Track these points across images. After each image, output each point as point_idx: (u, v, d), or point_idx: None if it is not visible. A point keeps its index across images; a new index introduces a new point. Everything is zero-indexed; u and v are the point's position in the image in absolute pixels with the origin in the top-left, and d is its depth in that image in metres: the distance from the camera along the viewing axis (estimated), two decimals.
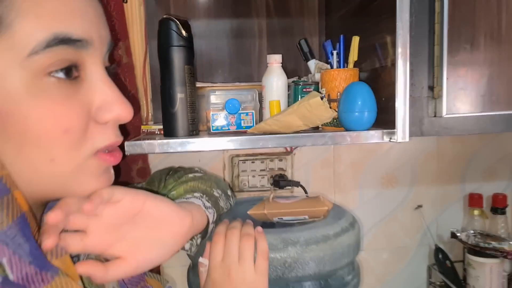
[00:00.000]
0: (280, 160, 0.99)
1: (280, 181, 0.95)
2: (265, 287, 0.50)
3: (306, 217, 0.64)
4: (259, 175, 0.98)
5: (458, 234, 1.01)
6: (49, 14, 0.33)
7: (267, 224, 0.66)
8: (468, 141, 1.10)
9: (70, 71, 0.35)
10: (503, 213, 1.07)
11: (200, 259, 0.52)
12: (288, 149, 1.00)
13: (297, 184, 0.94)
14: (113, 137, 0.40)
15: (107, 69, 0.41)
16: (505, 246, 0.93)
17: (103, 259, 0.43)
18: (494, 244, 0.95)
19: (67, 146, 0.36)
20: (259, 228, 0.54)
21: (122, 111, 0.38)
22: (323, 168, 1.04)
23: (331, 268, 0.58)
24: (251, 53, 0.97)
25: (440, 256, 1.06)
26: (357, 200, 1.06)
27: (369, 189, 1.07)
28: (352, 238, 0.62)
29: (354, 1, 0.80)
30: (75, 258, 0.42)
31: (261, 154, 0.99)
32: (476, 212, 1.06)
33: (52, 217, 0.35)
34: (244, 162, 0.97)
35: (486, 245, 0.96)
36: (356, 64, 0.72)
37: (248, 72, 0.98)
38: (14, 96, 0.33)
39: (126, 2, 0.85)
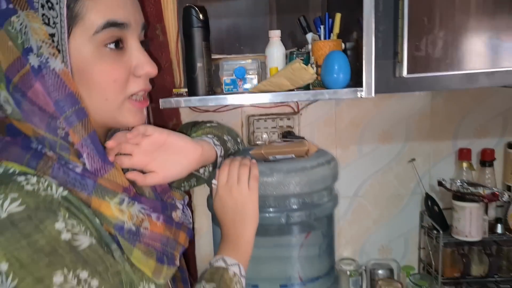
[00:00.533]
0: (289, 119, 1.19)
1: (287, 136, 1.16)
2: (256, 199, 0.71)
3: (293, 155, 0.84)
4: (270, 132, 1.19)
5: (444, 182, 1.17)
6: (104, 8, 0.52)
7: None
8: (461, 101, 1.23)
9: (118, 44, 0.53)
10: (491, 165, 1.21)
11: (213, 181, 0.74)
12: (296, 109, 1.20)
13: (302, 138, 1.14)
14: (143, 85, 0.57)
15: (143, 42, 0.60)
16: (480, 191, 1.09)
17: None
18: (472, 189, 1.11)
19: (115, 90, 0.54)
20: (253, 160, 0.75)
21: (150, 69, 0.57)
22: (326, 126, 1.22)
23: (309, 190, 0.79)
24: (263, 28, 1.15)
25: (429, 202, 1.23)
26: (356, 154, 1.24)
27: (367, 144, 1.24)
28: (326, 171, 0.81)
29: None
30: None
31: (272, 114, 1.19)
32: (464, 164, 1.21)
33: (110, 144, 0.58)
34: (258, 121, 1.18)
35: (465, 191, 1.11)
36: (342, 36, 0.90)
37: (261, 44, 1.17)
38: (86, 60, 0.51)
39: None
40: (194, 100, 0.83)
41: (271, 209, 0.80)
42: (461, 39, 0.80)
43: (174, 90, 1.00)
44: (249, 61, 0.90)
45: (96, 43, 0.51)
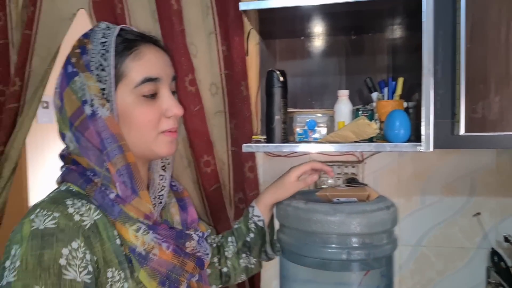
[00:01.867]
0: (353, 167, 1.30)
1: (351, 182, 1.26)
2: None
3: (355, 199, 0.94)
4: (336, 178, 1.30)
5: (511, 239, 1.17)
6: (142, 68, 0.67)
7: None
8: None
9: (152, 94, 0.68)
10: None
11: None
12: (360, 158, 1.30)
13: (364, 185, 1.24)
14: (172, 124, 0.70)
15: (173, 92, 0.72)
16: None
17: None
18: None
19: (149, 128, 0.68)
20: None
21: (177, 111, 0.70)
22: (389, 176, 1.31)
23: (368, 231, 0.88)
24: (333, 86, 1.31)
25: (496, 258, 1.23)
26: (419, 204, 1.30)
27: (430, 196, 1.30)
28: (386, 215, 0.91)
29: (410, 46, 1.08)
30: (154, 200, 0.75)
31: (338, 161, 1.31)
32: None
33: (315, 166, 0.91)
34: None
35: None
36: (405, 95, 1.02)
37: (330, 100, 1.31)
38: (128, 106, 0.66)
39: (248, 55, 1.28)
40: (272, 147, 0.99)
41: (333, 245, 0.91)
42: None
43: (253, 137, 1.17)
44: (319, 115, 1.05)
45: (136, 94, 0.67)
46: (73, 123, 0.66)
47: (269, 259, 1.00)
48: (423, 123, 0.89)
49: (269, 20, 1.12)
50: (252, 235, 0.96)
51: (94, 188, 0.64)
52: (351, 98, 1.09)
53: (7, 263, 0.56)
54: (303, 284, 1.01)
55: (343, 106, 1.05)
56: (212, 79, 1.35)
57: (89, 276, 0.59)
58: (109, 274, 0.62)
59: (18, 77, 1.40)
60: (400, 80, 1.00)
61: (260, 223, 0.95)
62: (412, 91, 1.03)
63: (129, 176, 0.64)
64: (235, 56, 1.28)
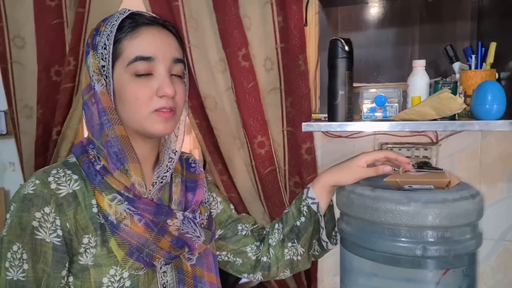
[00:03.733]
0: (426, 149, 1.15)
1: (423, 167, 1.11)
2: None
3: (431, 186, 0.81)
4: None
5: None
6: (135, 47, 0.68)
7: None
8: None
9: (146, 73, 0.69)
10: None
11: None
12: (434, 140, 1.15)
13: (440, 170, 1.08)
14: (164, 103, 0.70)
15: (174, 75, 0.72)
16: None
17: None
18: None
19: (139, 105, 0.69)
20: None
21: (167, 91, 0.69)
22: (469, 159, 1.14)
23: (449, 224, 0.75)
24: (404, 58, 1.15)
25: None
26: (505, 192, 1.12)
27: None
28: (470, 206, 0.76)
29: (505, 7, 0.91)
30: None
31: (408, 143, 1.16)
32: None
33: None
34: (392, 149, 1.17)
35: None
36: (495, 66, 0.85)
37: (401, 74, 1.17)
38: (122, 83, 0.69)
39: (307, 25, 1.16)
40: (334, 125, 0.87)
41: (405, 239, 0.78)
42: None
43: (313, 115, 1.06)
44: (390, 89, 0.91)
45: (130, 72, 0.69)
46: (84, 96, 0.72)
47: (322, 251, 0.90)
48: None
49: None
50: (302, 219, 0.85)
51: (85, 159, 0.71)
52: (429, 71, 0.94)
53: (6, 221, 0.67)
54: (369, 278, 0.90)
55: (419, 78, 0.91)
56: (267, 53, 1.25)
57: (59, 240, 0.66)
58: (85, 240, 0.67)
59: (72, 57, 1.39)
60: (493, 46, 0.83)
61: (314, 207, 0.85)
62: (504, 60, 0.86)
63: (117, 147, 0.69)
64: (292, 27, 1.17)
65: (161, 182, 0.76)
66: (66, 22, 1.45)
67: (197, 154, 4.19)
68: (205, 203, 0.86)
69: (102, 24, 0.71)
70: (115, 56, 0.69)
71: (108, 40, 0.68)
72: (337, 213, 0.92)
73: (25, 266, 0.65)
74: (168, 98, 0.70)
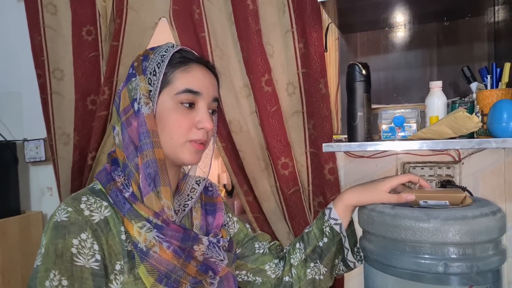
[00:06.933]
0: (448, 168, 1.16)
1: (447, 186, 1.12)
2: None
3: (447, 202, 0.82)
4: (428, 180, 1.17)
5: None
6: (186, 80, 0.73)
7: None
8: None
9: (190, 104, 0.73)
10: None
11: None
12: (456, 158, 1.16)
13: (463, 188, 1.09)
14: (201, 136, 0.74)
15: (213, 111, 0.78)
16: None
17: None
18: None
19: (178, 133, 0.72)
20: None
21: (207, 124, 0.73)
22: (493, 177, 1.14)
23: (470, 241, 0.76)
24: (423, 80, 1.18)
25: None
26: None
27: None
28: (492, 223, 0.77)
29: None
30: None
31: (430, 162, 1.18)
32: None
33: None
34: (414, 168, 1.18)
35: None
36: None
37: (421, 95, 1.19)
38: (166, 110, 0.72)
39: (327, 51, 1.21)
40: (354, 145, 0.91)
41: (427, 256, 0.80)
42: None
43: (334, 136, 1.10)
44: (408, 110, 0.94)
45: (175, 100, 0.72)
46: (122, 117, 0.74)
47: (347, 269, 0.91)
48: None
49: (348, 11, 1.05)
50: (325, 239, 0.87)
51: (112, 187, 0.72)
52: (444, 92, 0.97)
53: (39, 250, 0.67)
54: None
55: (437, 99, 0.94)
56: (289, 78, 1.31)
57: (97, 264, 0.66)
58: (117, 267, 0.68)
59: (107, 87, 1.50)
60: (507, 66, 0.86)
61: (337, 228, 0.87)
62: None
63: (154, 169, 0.70)
64: (312, 53, 1.23)
65: (184, 210, 0.78)
66: (101, 54, 1.57)
67: (225, 178, 4.26)
68: (225, 225, 0.88)
69: (151, 52, 0.76)
70: (163, 83, 0.73)
71: (158, 68, 0.73)
72: (359, 231, 0.95)
73: None
74: (204, 132, 0.75)
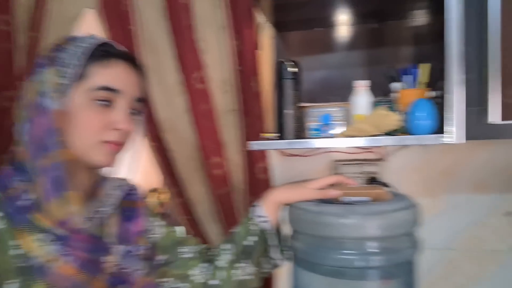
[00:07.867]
0: (374, 165, 1.21)
1: (372, 182, 1.17)
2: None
3: (370, 198, 0.86)
4: (355, 177, 1.21)
5: None
6: (105, 76, 0.68)
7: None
8: None
9: (106, 102, 0.68)
10: None
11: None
12: (382, 156, 1.21)
13: (384, 184, 1.14)
14: (117, 137, 0.70)
15: (133, 110, 0.72)
16: None
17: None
18: None
19: (88, 133, 0.67)
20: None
21: (123, 126, 0.69)
22: (414, 173, 1.21)
23: (388, 234, 0.79)
24: (354, 80, 1.22)
25: None
26: (446, 204, 1.19)
27: (459, 195, 1.19)
28: (406, 216, 0.82)
29: (435, 33, 0.99)
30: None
31: (357, 160, 1.22)
32: None
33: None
34: (344, 166, 1.22)
35: None
36: (432, 85, 0.92)
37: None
38: (78, 107, 0.67)
39: (259, 49, 1.21)
40: (283, 143, 0.91)
41: (348, 251, 0.82)
42: None
43: (263, 134, 1.10)
44: (335, 108, 0.97)
45: (90, 97, 0.67)
46: (26, 112, 0.67)
47: (273, 267, 0.90)
48: (453, 110, 0.80)
49: (283, 8, 1.04)
50: (252, 238, 0.85)
51: (9, 194, 0.64)
52: (375, 91, 1.00)
53: None
54: None
55: (360, 98, 0.97)
56: (224, 76, 1.28)
57: None
58: (6, 287, 0.60)
59: (24, 81, 1.38)
60: (426, 67, 0.91)
61: (264, 225, 0.85)
62: (439, 80, 0.93)
63: (59, 172, 0.64)
64: (246, 51, 1.22)
65: (97, 217, 0.72)
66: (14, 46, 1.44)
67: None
68: (147, 231, 0.82)
69: (68, 42, 0.69)
70: (78, 78, 0.67)
71: (74, 60, 0.66)
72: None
73: None
74: (121, 133, 0.70)
